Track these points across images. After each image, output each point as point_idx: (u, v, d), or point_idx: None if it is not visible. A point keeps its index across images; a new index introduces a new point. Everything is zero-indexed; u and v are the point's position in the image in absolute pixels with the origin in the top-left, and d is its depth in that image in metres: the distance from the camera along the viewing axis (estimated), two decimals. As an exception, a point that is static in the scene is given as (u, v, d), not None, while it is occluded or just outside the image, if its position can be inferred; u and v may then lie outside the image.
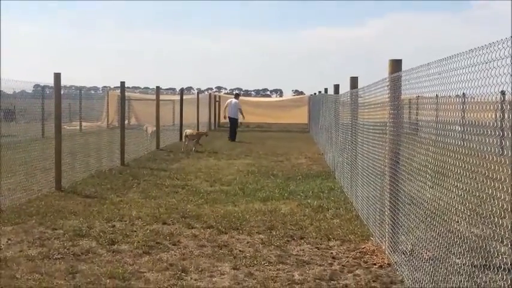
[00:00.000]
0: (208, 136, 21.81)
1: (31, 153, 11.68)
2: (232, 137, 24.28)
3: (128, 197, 9.92)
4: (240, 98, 28.87)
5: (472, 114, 3.97)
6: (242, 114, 25.55)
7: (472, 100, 3.89)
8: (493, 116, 3.65)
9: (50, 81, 10.90)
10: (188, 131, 19.98)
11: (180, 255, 6.35)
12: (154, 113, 20.05)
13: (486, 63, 3.48)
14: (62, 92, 11.86)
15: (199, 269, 5.84)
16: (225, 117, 25.75)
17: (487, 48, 3.48)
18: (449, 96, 4.34)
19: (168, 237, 7.09)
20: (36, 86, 17.02)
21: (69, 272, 5.66)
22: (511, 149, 3.27)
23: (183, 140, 19.74)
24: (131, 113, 30.19)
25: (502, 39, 3.30)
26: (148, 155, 17.41)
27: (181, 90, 27.72)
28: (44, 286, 5.26)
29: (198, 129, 24.14)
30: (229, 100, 26.45)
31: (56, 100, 10.82)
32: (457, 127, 4.25)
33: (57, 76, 10.75)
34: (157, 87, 20.78)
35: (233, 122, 24.90)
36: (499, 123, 3.62)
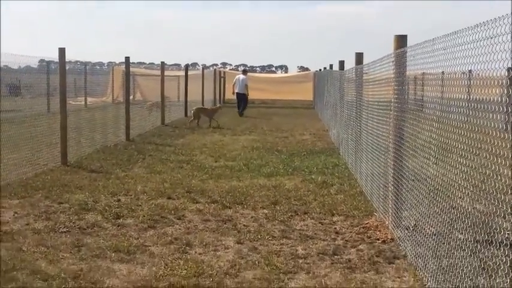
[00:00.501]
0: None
1: (37, 128, 11.73)
2: (241, 111, 24.52)
3: (133, 171, 9.96)
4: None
5: (476, 90, 3.96)
6: (247, 90, 25.51)
7: (477, 76, 3.88)
8: (498, 92, 3.64)
9: (56, 56, 10.88)
10: (199, 108, 19.98)
11: (185, 230, 6.40)
12: (159, 88, 20.04)
13: (491, 38, 3.46)
14: (67, 67, 11.87)
15: (204, 243, 5.89)
16: (233, 93, 25.78)
17: (492, 23, 3.46)
18: (454, 72, 4.33)
19: (172, 212, 7.13)
20: (42, 61, 17.01)
21: (74, 245, 5.72)
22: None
23: (191, 115, 19.73)
24: (136, 88, 30.23)
25: (505, 15, 3.28)
26: (154, 130, 17.45)
27: (186, 66, 27.63)
28: (50, 259, 5.31)
29: (202, 105, 24.14)
30: (237, 76, 26.48)
31: (61, 75, 10.82)
32: (461, 103, 4.24)
33: (62, 51, 10.73)
34: (162, 63, 20.76)
35: (241, 97, 25.07)
36: (504, 99, 3.62)
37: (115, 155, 11.81)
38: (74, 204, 7.42)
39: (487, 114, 3.66)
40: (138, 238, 6.04)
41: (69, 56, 11.15)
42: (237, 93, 25.40)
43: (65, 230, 6.28)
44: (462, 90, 4.24)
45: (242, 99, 25.10)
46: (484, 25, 3.58)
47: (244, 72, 27.48)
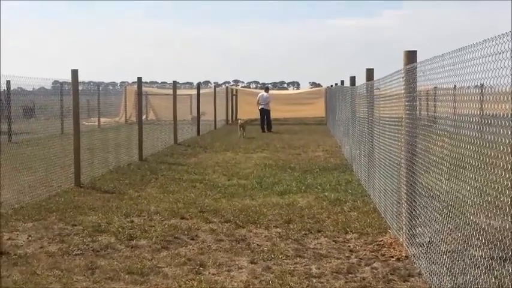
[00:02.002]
0: (228, 130, 22.61)
1: (50, 149, 11.82)
2: (268, 127, 25.62)
3: (146, 192, 9.98)
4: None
5: (487, 105, 3.95)
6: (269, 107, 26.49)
7: (487, 91, 3.87)
8: (507, 107, 3.62)
9: (69, 77, 10.97)
10: (246, 120, 23.28)
11: (198, 250, 6.39)
12: (171, 107, 20.15)
13: (499, 53, 3.45)
14: (80, 88, 11.97)
15: (217, 264, 5.87)
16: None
17: (500, 38, 3.45)
18: (463, 87, 4.31)
19: (186, 232, 7.13)
20: (55, 82, 17.17)
21: (88, 268, 5.72)
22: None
23: (239, 128, 22.47)
24: (149, 108, 30.38)
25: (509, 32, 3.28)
26: (166, 149, 17.50)
27: (198, 84, 27.73)
28: (64, 282, 5.32)
29: (215, 122, 25.04)
30: (260, 93, 27.48)
31: (74, 97, 10.91)
32: (472, 118, 4.22)
33: (75, 72, 10.83)
34: (174, 82, 20.89)
35: (265, 113, 25.98)
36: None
37: (128, 175, 11.85)
38: (87, 226, 7.44)
39: (499, 130, 3.64)
40: (151, 259, 6.04)
41: (83, 77, 11.24)
42: (261, 109, 26.21)
43: (78, 252, 6.29)
44: (473, 106, 4.22)
45: (266, 115, 25.97)
46: (492, 41, 3.58)
47: (267, 89, 28.64)
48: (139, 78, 15.97)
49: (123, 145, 15.32)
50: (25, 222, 7.66)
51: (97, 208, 8.53)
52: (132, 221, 7.73)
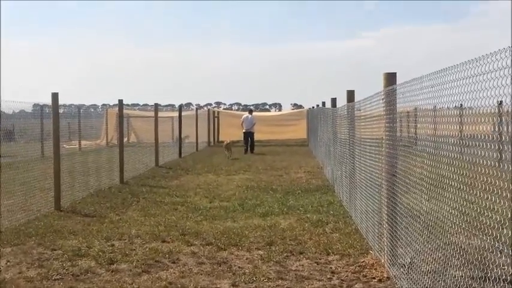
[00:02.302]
0: (210, 151, 22.58)
1: (30, 173, 11.69)
2: (251, 149, 25.88)
3: (127, 215, 9.91)
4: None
5: (466, 127, 3.99)
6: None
7: (466, 112, 3.91)
8: (480, 129, 3.66)
9: (50, 100, 10.92)
10: (231, 141, 23.51)
11: (179, 273, 6.34)
12: (153, 129, 20.10)
13: (476, 76, 3.51)
14: (61, 111, 11.92)
15: (199, 287, 5.83)
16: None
17: (476, 61, 3.50)
18: (441, 108, 4.36)
19: (167, 255, 7.08)
20: (36, 105, 17.08)
21: (68, 293, 5.65)
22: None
23: (225, 150, 23.11)
24: (130, 130, 30.26)
25: (488, 54, 3.33)
26: (148, 172, 17.42)
27: (180, 106, 27.71)
28: (43, 307, 5.24)
29: (196, 144, 25.60)
30: (244, 116, 27.64)
31: (54, 120, 10.85)
32: (450, 139, 4.26)
33: (55, 96, 10.79)
34: (156, 104, 20.86)
35: (249, 135, 26.36)
36: (494, 136, 3.64)
37: (109, 199, 11.76)
38: (67, 250, 7.35)
39: (476, 151, 3.67)
40: (132, 283, 5.98)
41: (64, 99, 11.18)
42: (245, 132, 26.48)
43: (58, 277, 6.21)
44: (452, 127, 4.27)
45: (250, 137, 26.26)
46: (470, 63, 3.63)
47: (250, 111, 28.72)
48: (121, 101, 15.94)
49: (104, 168, 15.21)
50: (3, 247, 7.56)
51: (77, 232, 8.45)
52: (112, 245, 7.66)
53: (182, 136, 24.27)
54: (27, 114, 17.16)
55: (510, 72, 3.10)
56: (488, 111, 3.57)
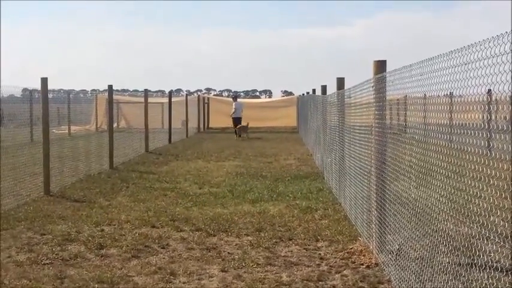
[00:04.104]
0: (200, 138, 22.67)
1: (20, 158, 11.65)
2: (240, 133, 26.47)
3: (117, 200, 9.91)
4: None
5: (455, 115, 4.01)
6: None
7: (456, 100, 3.94)
8: (469, 117, 3.69)
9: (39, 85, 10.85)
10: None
11: (169, 259, 6.36)
12: (143, 115, 20.05)
13: (465, 64, 3.53)
14: (50, 96, 11.85)
15: (188, 272, 5.86)
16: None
17: (465, 50, 3.52)
18: (431, 96, 4.39)
19: (156, 241, 7.10)
20: (25, 90, 16.96)
21: (57, 277, 5.66)
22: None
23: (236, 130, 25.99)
24: (120, 116, 30.18)
25: (474, 43, 3.36)
26: (138, 158, 17.39)
27: (170, 92, 27.59)
28: (32, 292, 5.25)
29: (187, 130, 26.71)
30: (235, 103, 28.46)
31: (44, 105, 10.81)
32: (439, 127, 4.29)
33: (44, 81, 10.73)
34: (146, 90, 20.79)
35: (237, 121, 27.18)
36: (482, 123, 3.67)
37: (98, 184, 11.75)
38: (56, 235, 7.35)
39: (465, 139, 3.70)
40: (121, 268, 5.99)
41: (53, 84, 11.13)
42: (234, 118, 27.47)
43: (47, 261, 6.22)
44: (442, 115, 4.29)
45: (239, 122, 27.02)
46: (458, 52, 3.65)
47: (235, 98, 29.50)
48: (110, 86, 15.87)
49: (94, 153, 15.18)
50: (-7, 232, 7.54)
51: (66, 217, 8.44)
52: (102, 230, 7.67)
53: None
54: (17, 99, 17.07)
55: (508, 58, 3.09)
56: (478, 99, 3.60)
